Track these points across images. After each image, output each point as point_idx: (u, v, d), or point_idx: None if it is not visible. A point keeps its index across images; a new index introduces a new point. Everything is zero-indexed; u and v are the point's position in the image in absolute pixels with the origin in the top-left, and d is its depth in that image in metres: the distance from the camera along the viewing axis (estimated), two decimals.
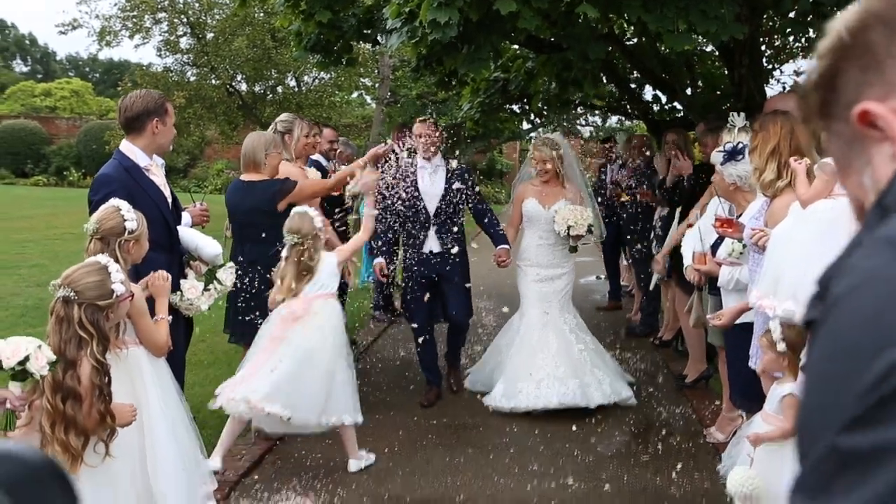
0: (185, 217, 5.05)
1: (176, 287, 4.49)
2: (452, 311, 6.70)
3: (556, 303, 6.70)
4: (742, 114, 5.28)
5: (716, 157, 4.94)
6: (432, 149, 6.60)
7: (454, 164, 6.72)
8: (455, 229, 6.67)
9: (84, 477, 3.31)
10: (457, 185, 6.60)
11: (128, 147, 4.64)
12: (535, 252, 6.76)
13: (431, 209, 6.60)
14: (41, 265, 12.34)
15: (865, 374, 0.76)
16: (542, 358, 6.44)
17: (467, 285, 6.77)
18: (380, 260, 6.65)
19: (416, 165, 6.60)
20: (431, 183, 6.60)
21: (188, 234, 4.86)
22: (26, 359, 3.08)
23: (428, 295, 6.63)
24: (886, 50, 0.87)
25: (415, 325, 6.75)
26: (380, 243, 6.72)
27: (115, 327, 3.59)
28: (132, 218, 3.87)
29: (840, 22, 0.92)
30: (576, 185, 6.84)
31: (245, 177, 5.72)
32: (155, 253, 4.27)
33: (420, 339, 6.75)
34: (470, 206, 6.76)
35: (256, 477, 5.21)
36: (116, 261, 3.68)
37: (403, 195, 6.48)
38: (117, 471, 3.58)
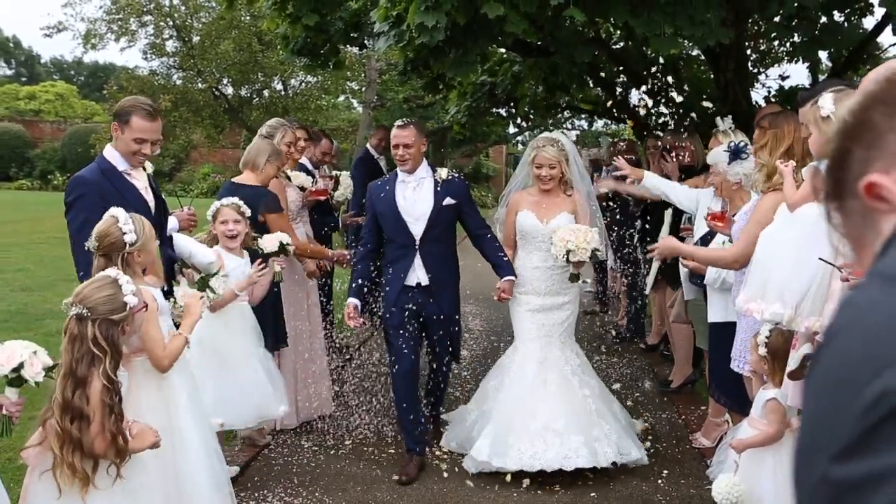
0: (173, 221, 5.01)
1: (167, 293, 4.46)
2: (437, 349, 5.66)
3: (556, 338, 5.52)
4: (729, 117, 5.34)
5: (719, 156, 4.95)
6: (409, 163, 5.44)
7: (444, 172, 5.53)
8: (446, 255, 5.55)
9: (106, 499, 3.24)
10: (448, 200, 5.43)
11: (109, 150, 4.59)
12: (531, 277, 5.57)
13: (417, 231, 5.40)
14: (26, 269, 12.26)
15: (856, 403, 0.76)
16: (539, 405, 5.28)
17: (455, 328, 5.66)
18: (352, 301, 5.38)
19: (392, 181, 5.53)
20: (415, 200, 5.42)
21: (182, 240, 4.83)
22: (21, 365, 3.04)
23: (411, 337, 5.46)
24: (888, 125, 0.95)
25: (393, 355, 5.51)
26: (356, 277, 5.55)
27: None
28: (130, 230, 3.75)
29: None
30: (581, 192, 5.65)
31: (237, 178, 5.71)
32: None
33: (398, 369, 5.44)
34: (467, 225, 5.60)
35: (242, 484, 5.17)
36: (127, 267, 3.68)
37: (383, 213, 5.50)
38: (150, 491, 3.50)
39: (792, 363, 3.35)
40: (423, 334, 5.62)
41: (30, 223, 17.68)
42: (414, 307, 5.44)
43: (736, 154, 4.84)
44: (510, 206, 5.73)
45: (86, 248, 3.82)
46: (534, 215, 5.55)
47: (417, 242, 5.42)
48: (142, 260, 3.82)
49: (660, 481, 5.10)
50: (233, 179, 5.77)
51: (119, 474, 3.24)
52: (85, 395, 3.16)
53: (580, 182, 5.70)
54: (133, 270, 3.71)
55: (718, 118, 5.48)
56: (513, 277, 5.48)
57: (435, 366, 5.78)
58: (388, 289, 5.52)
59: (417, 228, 5.41)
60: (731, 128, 5.30)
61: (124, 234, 3.71)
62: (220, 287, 4.71)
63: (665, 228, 6.54)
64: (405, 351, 5.41)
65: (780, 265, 3.49)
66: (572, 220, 5.48)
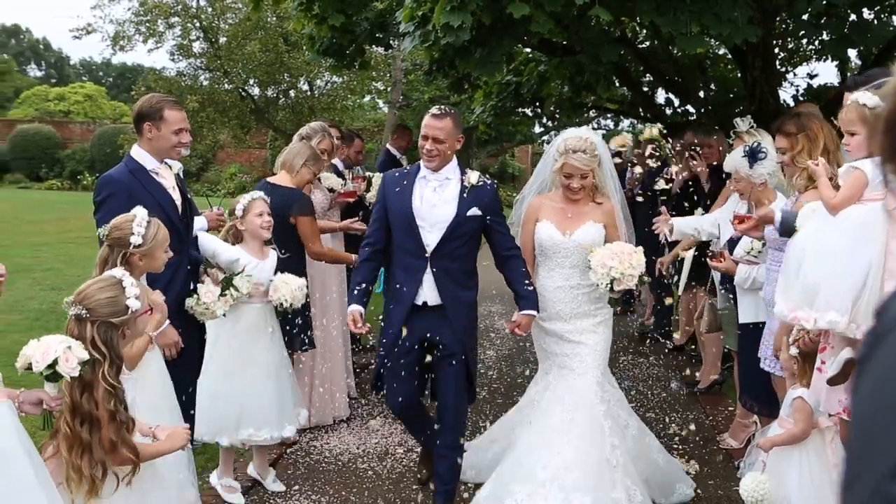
0: (201, 221, 5.05)
1: (191, 291, 4.51)
2: (443, 391, 4.69)
3: (592, 369, 4.70)
4: (748, 117, 5.30)
5: (738, 162, 4.92)
6: (437, 160, 4.57)
7: (474, 176, 4.65)
8: (464, 273, 4.66)
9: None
10: (474, 210, 4.56)
11: (136, 150, 4.63)
12: (554, 298, 4.77)
13: (430, 242, 4.55)
14: (56, 269, 12.41)
15: None
16: (556, 454, 4.49)
17: (469, 359, 4.69)
18: (355, 308, 4.61)
19: (412, 174, 4.69)
20: (434, 204, 4.56)
21: (206, 239, 4.87)
22: (55, 361, 3.06)
23: (415, 368, 4.67)
24: None
25: (392, 408, 4.88)
26: (357, 280, 4.73)
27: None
28: (139, 232, 3.78)
29: None
30: (613, 199, 4.87)
31: (272, 179, 5.75)
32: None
33: (394, 406, 4.82)
34: (493, 242, 4.71)
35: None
36: (131, 267, 3.68)
37: (393, 214, 4.67)
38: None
39: (832, 368, 3.30)
40: (430, 367, 4.73)
41: (59, 223, 17.87)
42: (419, 331, 4.59)
43: (754, 156, 4.82)
44: (528, 214, 4.92)
45: (97, 235, 3.87)
46: (554, 226, 4.76)
47: (429, 254, 4.55)
48: (144, 265, 3.82)
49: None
50: (268, 179, 5.80)
51: (126, 482, 3.18)
52: (93, 399, 3.12)
53: (613, 189, 4.90)
54: (133, 272, 3.64)
55: (738, 119, 5.43)
56: (534, 313, 4.66)
57: (443, 408, 4.72)
58: (390, 305, 4.70)
59: (431, 238, 4.54)
60: (752, 127, 5.27)
61: (132, 234, 3.75)
62: (244, 286, 4.74)
63: (687, 266, 6.43)
64: (401, 381, 4.62)
65: (830, 272, 3.31)
66: (600, 230, 4.73)
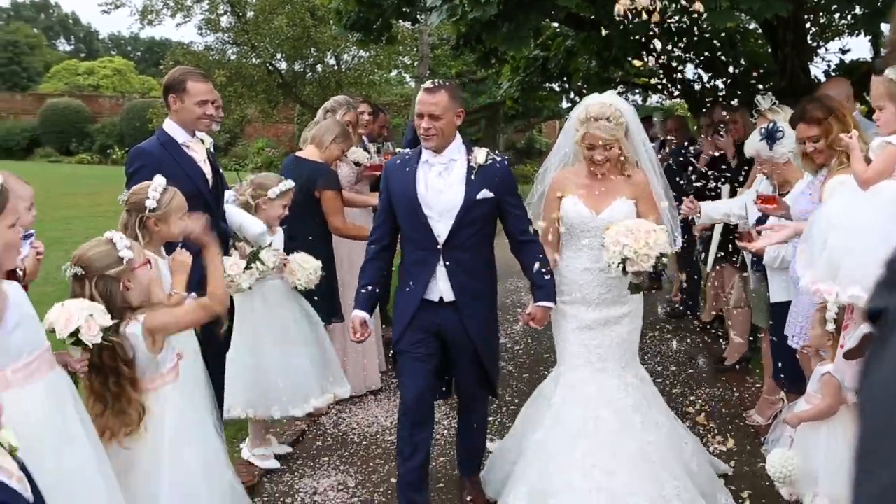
0: (230, 195, 5.10)
1: None
2: (464, 385, 4.42)
3: (613, 362, 4.34)
4: (769, 94, 5.24)
5: (757, 145, 4.89)
6: (436, 139, 4.11)
7: (482, 155, 4.17)
8: (480, 264, 4.26)
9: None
10: (485, 192, 4.11)
11: (167, 123, 4.69)
12: (580, 281, 4.35)
13: (441, 232, 4.14)
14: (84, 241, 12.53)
15: None
16: (589, 455, 4.07)
17: (490, 355, 4.38)
18: (358, 315, 4.24)
19: (414, 159, 4.25)
20: (440, 189, 4.14)
21: (233, 212, 4.91)
22: (77, 330, 3.12)
23: (428, 366, 4.27)
24: None
25: (403, 400, 4.34)
26: (363, 282, 4.33)
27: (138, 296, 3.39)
28: (154, 197, 3.85)
29: None
30: (644, 170, 4.40)
31: (300, 153, 5.80)
32: None
33: (402, 399, 4.35)
34: (507, 226, 4.28)
35: (298, 452, 5.30)
36: (136, 238, 3.76)
37: (398, 205, 4.25)
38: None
39: (850, 342, 3.30)
40: (447, 366, 4.40)
41: (89, 196, 18.05)
42: (434, 329, 4.23)
43: (772, 137, 4.78)
44: (551, 192, 4.43)
45: (118, 201, 3.98)
46: (583, 204, 4.29)
47: (441, 245, 4.15)
48: (160, 230, 3.90)
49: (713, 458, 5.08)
50: (296, 154, 5.84)
51: (120, 443, 3.25)
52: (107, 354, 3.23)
53: (645, 157, 4.43)
54: (150, 237, 3.85)
55: (759, 97, 5.36)
56: (551, 305, 4.24)
57: (464, 408, 4.51)
58: (401, 303, 4.31)
59: (441, 227, 4.13)
60: (773, 104, 5.23)
61: (147, 198, 3.83)
62: (270, 260, 4.79)
63: (714, 243, 6.39)
64: (413, 377, 4.25)
65: (858, 246, 3.24)
66: (631, 207, 4.28)
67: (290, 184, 5.05)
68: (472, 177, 4.11)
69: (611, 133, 4.17)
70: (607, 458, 4.04)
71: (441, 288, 4.18)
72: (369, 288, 4.28)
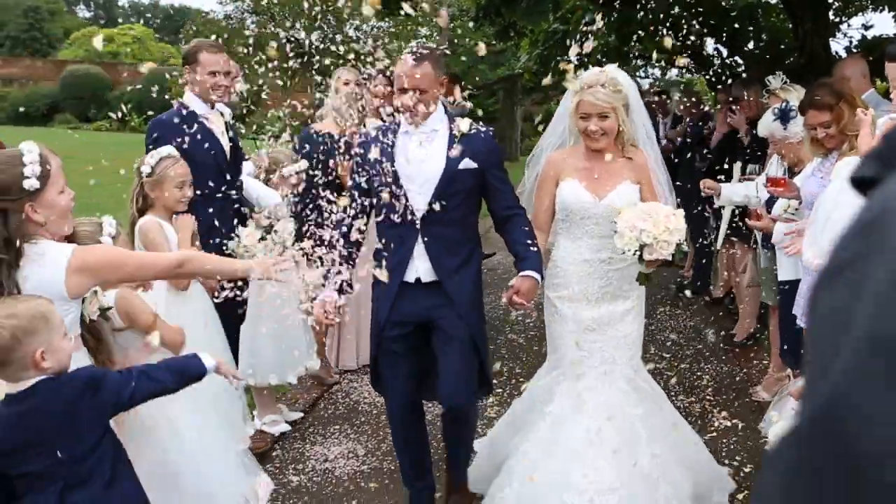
0: (248, 166, 5.18)
1: (233, 234, 4.67)
2: (446, 389, 3.88)
3: (621, 365, 3.97)
4: (779, 73, 5.25)
5: (771, 126, 4.92)
6: (419, 115, 3.77)
7: (464, 124, 3.87)
8: (462, 241, 3.90)
9: None
10: (467, 162, 3.78)
11: (188, 95, 4.77)
12: (579, 273, 3.99)
13: (420, 206, 3.80)
14: (107, 209, 12.66)
15: None
16: (588, 464, 3.76)
17: (478, 339, 3.94)
18: (329, 295, 3.63)
19: (394, 130, 3.93)
20: (421, 160, 3.81)
21: (251, 184, 5.00)
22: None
23: (412, 359, 3.96)
24: None
25: (388, 402, 4.15)
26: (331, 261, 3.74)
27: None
28: (150, 164, 4.12)
29: None
30: (646, 151, 4.05)
31: (317, 125, 5.90)
32: (206, 198, 4.48)
33: (390, 403, 4.12)
34: (491, 201, 3.95)
35: (310, 420, 5.41)
36: (144, 199, 4.14)
37: (371, 179, 3.90)
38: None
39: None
40: (432, 354, 3.96)
41: (111, 163, 18.18)
42: (415, 314, 3.87)
43: (785, 117, 4.80)
44: (545, 173, 4.08)
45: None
46: (583, 187, 3.94)
47: (419, 221, 3.81)
48: (156, 196, 4.12)
49: (716, 434, 5.15)
50: (313, 125, 5.90)
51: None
52: None
53: (646, 137, 4.09)
54: (151, 203, 4.12)
55: (769, 76, 5.38)
56: (537, 276, 3.78)
57: (448, 399, 3.91)
58: (378, 290, 3.95)
59: (420, 201, 3.79)
60: (784, 83, 5.25)
61: (143, 164, 4.05)
62: (286, 231, 4.87)
63: (725, 221, 6.41)
64: (399, 377, 3.96)
65: (849, 217, 3.34)
66: (636, 191, 3.94)
67: (303, 165, 5.15)
68: (454, 146, 3.79)
69: (605, 100, 3.80)
70: (607, 472, 3.71)
71: (419, 267, 3.84)
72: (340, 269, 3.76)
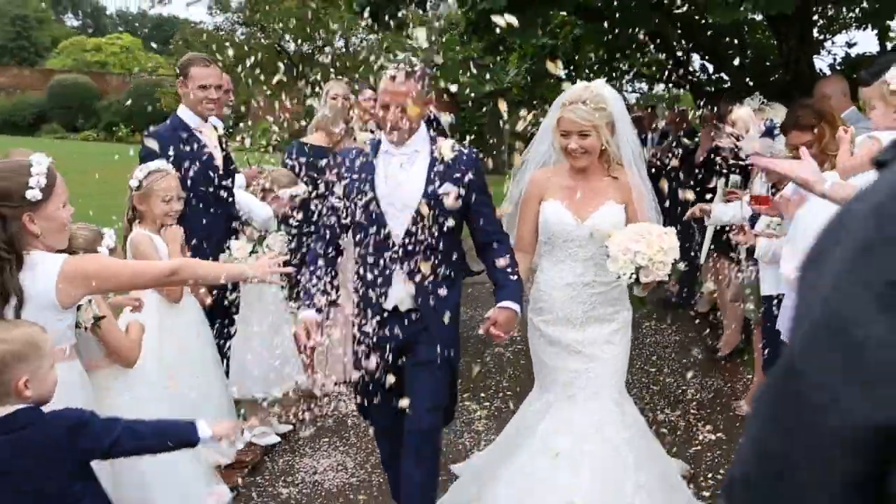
0: (240, 179, 5.24)
1: (224, 248, 4.73)
2: (412, 414, 3.66)
3: (608, 389, 3.87)
4: (756, 95, 5.35)
5: (759, 140, 5.00)
6: (401, 133, 3.63)
7: (447, 146, 3.69)
8: (442, 267, 3.68)
9: None
10: (447, 186, 3.62)
11: (181, 109, 4.85)
12: (561, 298, 3.90)
13: (398, 230, 3.65)
14: (94, 221, 12.64)
15: None
16: (566, 483, 3.68)
17: (450, 374, 3.83)
18: (309, 315, 3.62)
19: (374, 147, 3.78)
20: (399, 183, 3.66)
21: (243, 197, 5.06)
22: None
23: (392, 378, 3.68)
24: None
25: (372, 423, 4.08)
26: (309, 280, 3.73)
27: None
28: (138, 177, 4.20)
29: None
30: (633, 170, 3.90)
31: (306, 138, 6.00)
32: (198, 211, 4.54)
33: (385, 442, 4.03)
34: (473, 227, 3.78)
35: (300, 432, 5.44)
36: (133, 210, 4.22)
37: (346, 202, 3.75)
38: None
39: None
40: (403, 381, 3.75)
41: (97, 174, 18.13)
42: (392, 343, 3.70)
43: (771, 134, 4.89)
44: (529, 193, 3.96)
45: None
46: (565, 208, 3.83)
47: (398, 246, 3.65)
48: (144, 210, 4.21)
49: (701, 447, 5.21)
50: (302, 140, 5.96)
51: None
52: None
53: (632, 155, 3.91)
54: (144, 217, 4.20)
55: (747, 98, 5.48)
56: (515, 307, 3.65)
57: (413, 423, 3.69)
58: (356, 311, 3.82)
59: (398, 226, 3.64)
60: (762, 103, 5.34)
61: (132, 178, 4.15)
62: (277, 245, 4.92)
63: (718, 196, 6.51)
64: (380, 401, 3.78)
65: None
66: (621, 213, 3.84)
67: (301, 190, 5.21)
68: (435, 170, 3.64)
69: (586, 118, 3.68)
70: (585, 488, 3.62)
71: (398, 295, 3.68)
72: (319, 286, 3.70)
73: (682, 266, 3.69)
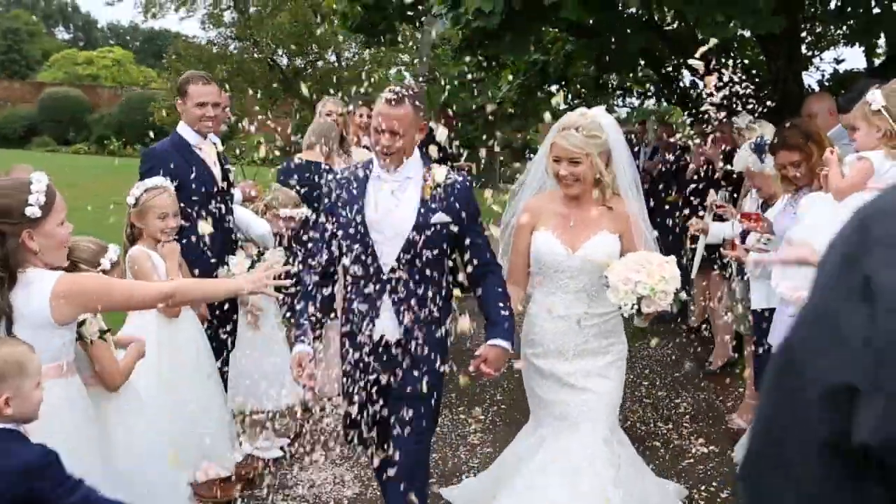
0: (237, 194, 5.30)
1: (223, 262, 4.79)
2: (400, 440, 3.56)
3: (600, 424, 3.76)
4: (743, 113, 5.45)
5: (747, 160, 5.09)
6: (394, 158, 3.52)
7: (440, 174, 3.58)
8: (431, 298, 3.57)
9: None
10: (440, 216, 3.52)
11: (181, 126, 4.90)
12: (553, 330, 3.81)
13: (387, 258, 3.53)
14: (86, 234, 12.64)
15: None
16: None
17: (433, 409, 3.66)
18: (302, 349, 3.54)
19: (363, 173, 3.65)
20: (389, 209, 3.54)
21: (241, 213, 5.11)
22: (83, 322, 3.31)
23: (382, 407, 3.63)
24: None
25: (368, 456, 3.83)
26: (299, 309, 3.66)
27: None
28: (134, 195, 4.26)
29: None
30: (629, 199, 3.82)
31: (302, 154, 6.04)
32: (197, 227, 4.60)
33: (376, 466, 3.79)
34: (464, 255, 3.62)
35: (299, 445, 5.47)
36: (131, 228, 4.26)
37: (342, 225, 3.61)
38: None
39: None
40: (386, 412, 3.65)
41: (89, 188, 18.14)
42: (377, 375, 3.59)
43: (761, 150, 4.98)
44: (522, 222, 3.86)
45: None
46: (556, 237, 3.75)
47: (385, 276, 3.54)
48: (141, 226, 4.26)
49: (693, 460, 5.27)
50: (298, 155, 6.02)
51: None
52: None
53: (630, 186, 3.84)
54: (142, 234, 4.24)
55: (735, 117, 5.57)
56: (506, 345, 3.52)
57: (397, 454, 3.57)
58: (343, 341, 3.70)
59: (388, 254, 3.52)
60: (751, 121, 5.44)
61: (128, 195, 4.20)
62: (275, 260, 4.96)
63: (700, 250, 6.59)
64: (368, 431, 3.66)
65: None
66: (615, 243, 3.74)
67: (303, 213, 5.27)
68: (427, 197, 3.53)
69: (577, 145, 3.62)
70: None
71: (385, 326, 3.55)
72: (309, 320, 3.61)
73: (683, 295, 3.62)
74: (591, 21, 8.62)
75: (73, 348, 3.16)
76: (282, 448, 5.36)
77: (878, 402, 0.88)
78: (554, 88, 12.43)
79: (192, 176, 4.70)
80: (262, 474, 5.03)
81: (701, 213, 5.96)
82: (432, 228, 3.49)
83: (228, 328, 4.88)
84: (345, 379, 3.65)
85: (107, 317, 3.57)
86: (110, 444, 3.39)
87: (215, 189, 4.86)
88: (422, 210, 3.51)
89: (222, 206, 4.89)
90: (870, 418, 0.88)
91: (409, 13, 9.17)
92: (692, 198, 6.79)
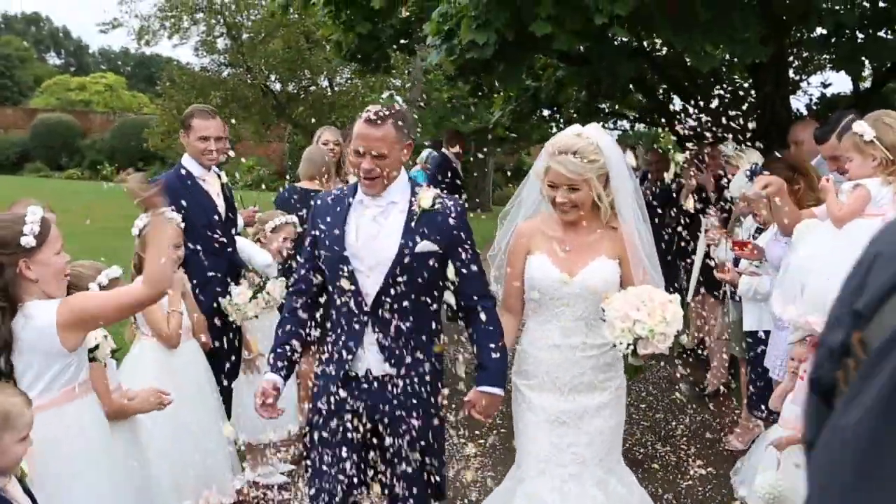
0: (240, 221, 5.41)
1: (227, 292, 4.87)
2: (394, 480, 3.32)
3: (592, 467, 3.47)
4: (729, 141, 5.58)
5: (743, 185, 5.22)
6: (379, 183, 3.27)
7: (427, 197, 3.32)
8: (419, 331, 3.31)
9: None
10: (426, 245, 3.26)
11: (186, 158, 5.02)
12: (547, 361, 3.51)
13: (370, 289, 3.26)
14: (79, 259, 12.68)
15: None
16: None
17: (434, 449, 3.36)
18: (271, 379, 3.31)
19: (347, 198, 3.40)
20: (372, 237, 3.29)
21: (243, 243, 5.20)
22: (97, 346, 3.40)
23: (350, 461, 3.29)
24: None
25: (313, 490, 3.41)
26: (280, 339, 3.41)
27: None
28: (138, 226, 4.35)
29: None
30: (630, 223, 3.53)
31: (300, 183, 6.11)
32: (201, 257, 4.69)
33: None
34: (454, 286, 3.34)
35: (299, 471, 5.52)
36: (138, 258, 4.27)
37: (323, 253, 3.36)
38: None
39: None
40: (376, 459, 3.37)
41: (82, 213, 18.18)
42: (360, 412, 3.29)
43: (756, 175, 5.11)
44: (515, 246, 3.60)
45: None
46: (552, 262, 3.48)
47: (369, 307, 3.27)
48: (144, 256, 4.24)
49: (691, 482, 5.34)
50: (298, 185, 6.11)
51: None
52: None
53: (630, 208, 3.54)
54: (143, 262, 4.07)
55: (721, 145, 5.69)
56: (497, 392, 3.31)
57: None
58: (320, 375, 3.41)
59: (370, 284, 3.26)
60: (736, 149, 5.56)
61: (134, 226, 4.30)
62: (277, 291, 5.04)
63: (702, 237, 6.73)
64: (325, 476, 3.32)
65: (827, 277, 3.19)
66: (614, 269, 3.48)
67: (288, 218, 5.36)
68: (413, 224, 3.26)
69: (576, 171, 3.35)
70: None
71: (369, 360, 3.29)
72: (286, 347, 3.37)
73: (685, 338, 3.46)
74: (581, 49, 8.79)
75: (85, 366, 3.22)
76: (283, 474, 5.41)
77: None
78: (546, 114, 12.59)
79: (197, 207, 4.81)
80: (266, 501, 5.09)
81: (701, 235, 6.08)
82: (417, 257, 3.23)
83: (232, 357, 4.97)
84: (321, 410, 3.33)
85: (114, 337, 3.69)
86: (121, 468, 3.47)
87: (218, 219, 4.96)
88: (405, 237, 3.25)
89: (226, 237, 4.98)
90: None
91: (403, 41, 9.31)
92: (685, 220, 6.93)
